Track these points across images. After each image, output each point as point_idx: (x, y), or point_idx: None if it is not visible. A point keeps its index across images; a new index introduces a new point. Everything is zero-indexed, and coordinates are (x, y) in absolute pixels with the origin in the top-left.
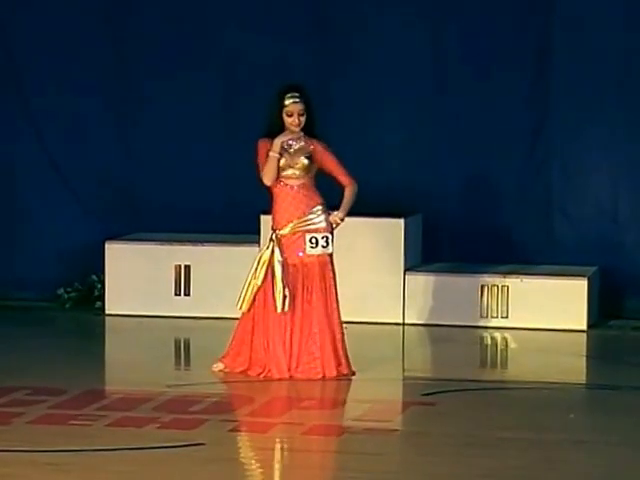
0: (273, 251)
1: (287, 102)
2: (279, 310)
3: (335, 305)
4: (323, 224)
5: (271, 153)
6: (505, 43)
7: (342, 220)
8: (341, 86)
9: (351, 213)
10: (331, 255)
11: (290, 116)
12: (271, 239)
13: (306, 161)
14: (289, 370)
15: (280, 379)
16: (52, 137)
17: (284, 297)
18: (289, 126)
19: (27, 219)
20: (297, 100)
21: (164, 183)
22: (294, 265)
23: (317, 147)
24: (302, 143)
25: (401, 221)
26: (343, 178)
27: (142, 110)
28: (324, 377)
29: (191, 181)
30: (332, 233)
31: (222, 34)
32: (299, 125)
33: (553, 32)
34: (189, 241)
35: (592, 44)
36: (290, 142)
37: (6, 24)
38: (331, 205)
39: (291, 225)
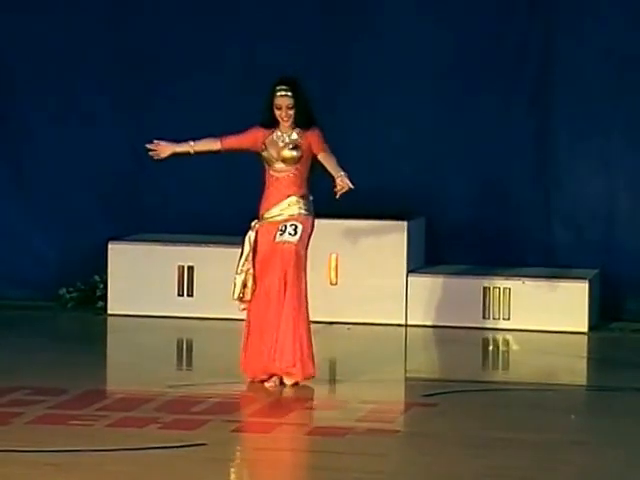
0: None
1: (276, 95)
2: (235, 297)
3: (304, 300)
4: (297, 212)
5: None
6: (506, 52)
7: (344, 177)
8: (345, 90)
9: (355, 216)
10: (301, 247)
11: (279, 109)
12: (250, 227)
13: (294, 152)
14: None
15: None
16: (56, 138)
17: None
18: (279, 119)
19: (29, 219)
20: (285, 93)
21: (168, 184)
22: (267, 252)
23: (309, 134)
24: (294, 137)
25: (404, 224)
26: (319, 145)
27: (146, 112)
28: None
29: (195, 183)
30: (306, 228)
31: (223, 37)
32: (287, 119)
33: (554, 41)
34: (192, 242)
35: (592, 53)
36: (282, 135)
37: (5, 24)
38: (324, 206)
39: (270, 211)
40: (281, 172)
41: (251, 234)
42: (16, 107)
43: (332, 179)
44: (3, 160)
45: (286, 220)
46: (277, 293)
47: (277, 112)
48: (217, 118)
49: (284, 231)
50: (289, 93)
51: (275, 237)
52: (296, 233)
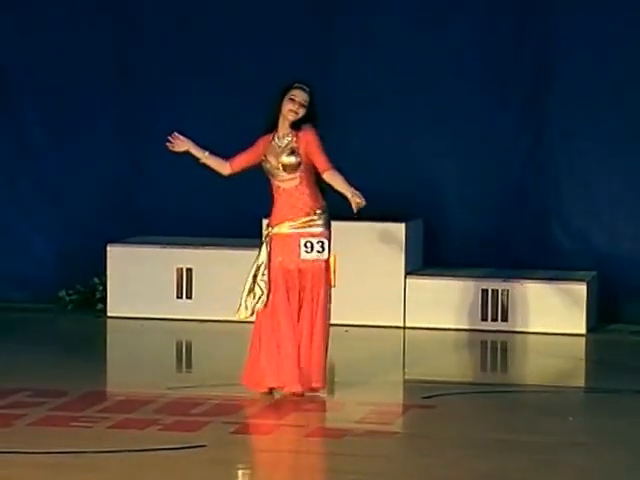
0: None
1: (293, 87)
2: (243, 316)
3: (324, 316)
4: (320, 229)
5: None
6: (503, 53)
7: (357, 194)
8: (341, 93)
9: (352, 218)
10: (327, 262)
11: (292, 100)
12: (265, 237)
13: (291, 159)
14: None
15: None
16: (55, 141)
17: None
18: (287, 114)
19: (28, 220)
20: (304, 88)
21: (166, 187)
22: (289, 271)
23: (301, 134)
24: (288, 139)
25: (402, 225)
26: (319, 159)
27: (144, 115)
28: (303, 390)
29: (193, 185)
30: (329, 238)
31: (223, 41)
32: (293, 116)
33: (550, 48)
34: (191, 244)
35: (588, 59)
36: (278, 140)
37: (8, 39)
38: (336, 211)
39: (286, 224)
40: (286, 181)
41: (265, 247)
42: (16, 110)
43: (343, 197)
44: (3, 163)
45: (311, 235)
46: (310, 310)
47: (287, 105)
48: (214, 123)
49: (312, 248)
50: (307, 90)
51: (300, 254)
52: (324, 249)
